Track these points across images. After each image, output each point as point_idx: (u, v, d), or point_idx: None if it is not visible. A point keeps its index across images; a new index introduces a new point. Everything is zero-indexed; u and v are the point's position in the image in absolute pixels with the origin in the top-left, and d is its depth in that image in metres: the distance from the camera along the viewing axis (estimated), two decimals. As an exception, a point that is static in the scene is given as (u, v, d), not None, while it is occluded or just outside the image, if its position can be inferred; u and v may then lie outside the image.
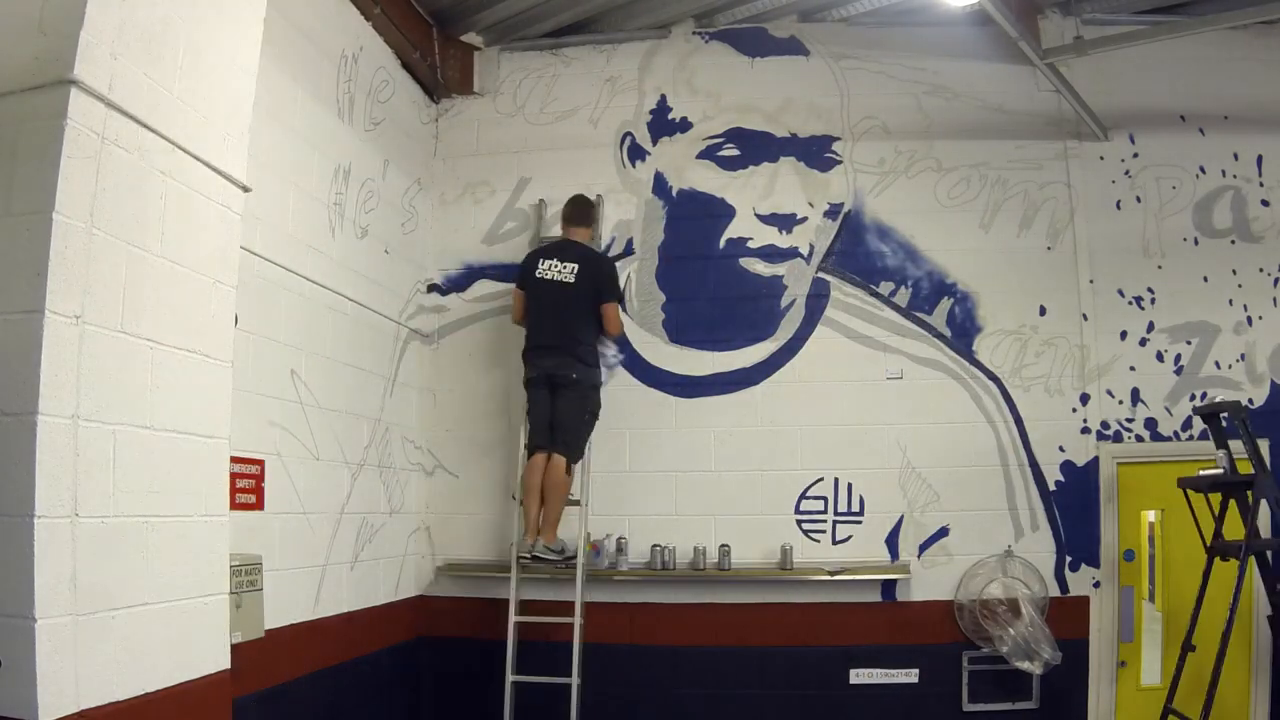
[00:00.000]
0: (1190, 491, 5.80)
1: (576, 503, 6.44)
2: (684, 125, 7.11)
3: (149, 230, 3.18)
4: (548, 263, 6.37)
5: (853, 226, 6.86)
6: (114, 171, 3.01)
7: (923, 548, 6.54)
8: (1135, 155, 6.72)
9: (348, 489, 5.88)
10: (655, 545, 6.60)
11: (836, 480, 6.62)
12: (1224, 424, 5.78)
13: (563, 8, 6.99)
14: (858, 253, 6.84)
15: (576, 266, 6.31)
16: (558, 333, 6.28)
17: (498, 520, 6.90)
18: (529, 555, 6.25)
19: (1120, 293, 6.62)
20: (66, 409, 2.81)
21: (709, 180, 7.01)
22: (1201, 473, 5.76)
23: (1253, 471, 5.53)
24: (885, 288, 6.79)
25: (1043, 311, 6.66)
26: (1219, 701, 5.35)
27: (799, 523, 6.62)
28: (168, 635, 3.21)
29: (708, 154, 7.05)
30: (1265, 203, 6.58)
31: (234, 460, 4.01)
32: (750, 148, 7.00)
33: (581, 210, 6.67)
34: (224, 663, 3.52)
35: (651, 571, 6.57)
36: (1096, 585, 6.40)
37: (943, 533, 6.53)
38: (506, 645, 6.31)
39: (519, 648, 6.35)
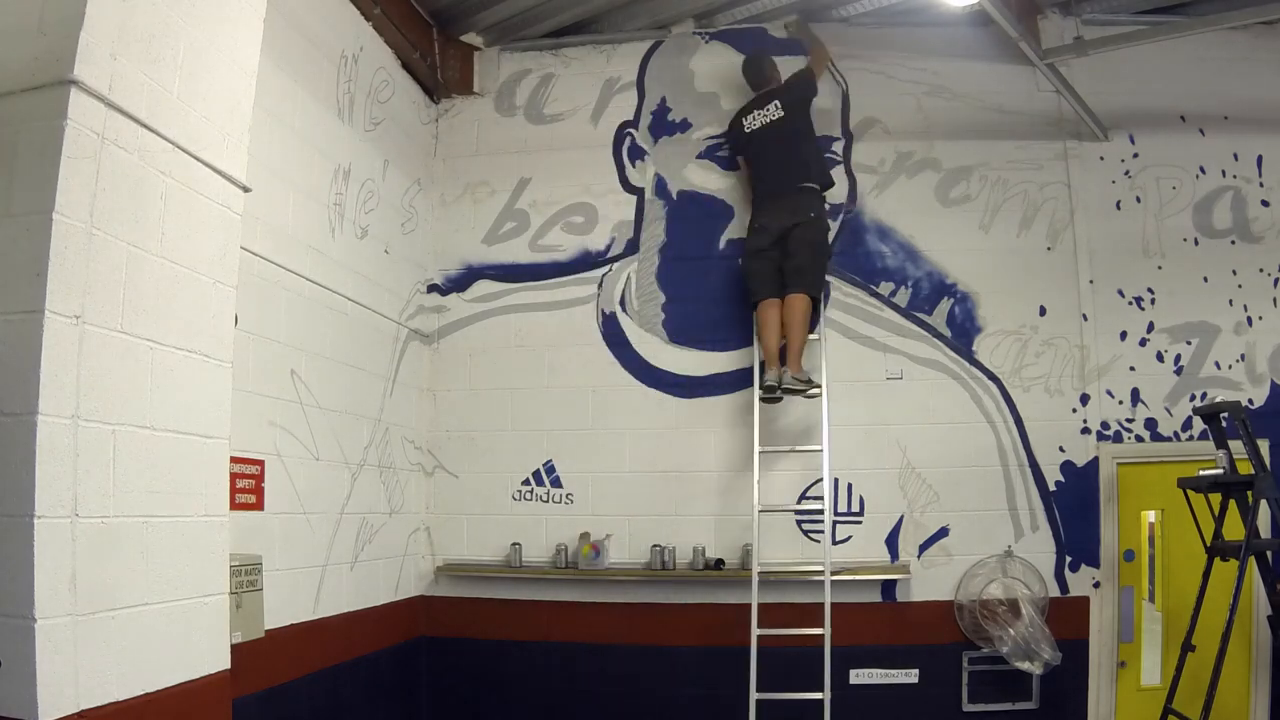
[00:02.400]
0: (1190, 492, 5.80)
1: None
2: (684, 125, 7.11)
3: (149, 230, 3.19)
4: (750, 115, 6.57)
5: (853, 227, 6.86)
6: (114, 172, 3.02)
7: (923, 548, 6.53)
8: (1135, 155, 6.72)
9: (348, 489, 5.88)
10: (655, 545, 6.60)
11: (836, 480, 6.61)
12: (1224, 424, 5.78)
13: (563, 8, 6.99)
14: (858, 253, 6.84)
15: (778, 100, 6.49)
16: (785, 178, 6.41)
17: (498, 520, 6.91)
18: (777, 387, 6.18)
19: (1120, 293, 6.62)
20: (66, 409, 2.81)
21: (709, 180, 7.02)
22: (1201, 473, 5.75)
23: (1253, 472, 5.53)
24: (885, 288, 6.79)
25: (1043, 312, 6.66)
26: (1219, 701, 5.35)
27: (799, 523, 6.62)
28: (168, 635, 3.21)
29: (708, 154, 7.06)
30: (1265, 203, 6.58)
31: (234, 460, 4.01)
32: (750, 148, 7.00)
33: (758, 69, 6.75)
34: (224, 663, 3.52)
35: (651, 572, 6.57)
36: (1096, 585, 6.40)
37: (943, 533, 6.53)
38: (750, 658, 6.12)
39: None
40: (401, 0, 6.58)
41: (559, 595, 6.67)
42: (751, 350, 6.70)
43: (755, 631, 6.15)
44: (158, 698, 3.12)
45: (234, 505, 4.15)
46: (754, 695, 6.09)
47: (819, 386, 6.39)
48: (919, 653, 6.42)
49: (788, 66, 6.98)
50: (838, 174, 6.86)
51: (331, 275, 5.70)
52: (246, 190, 3.74)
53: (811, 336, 6.62)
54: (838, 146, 6.94)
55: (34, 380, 2.72)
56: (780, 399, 6.32)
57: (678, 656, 6.56)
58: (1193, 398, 6.47)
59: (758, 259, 6.43)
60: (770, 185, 6.48)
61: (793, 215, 6.32)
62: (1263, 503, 5.49)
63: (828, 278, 6.77)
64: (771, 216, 6.40)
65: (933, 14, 6.73)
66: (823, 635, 6.06)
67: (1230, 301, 6.52)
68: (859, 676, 6.41)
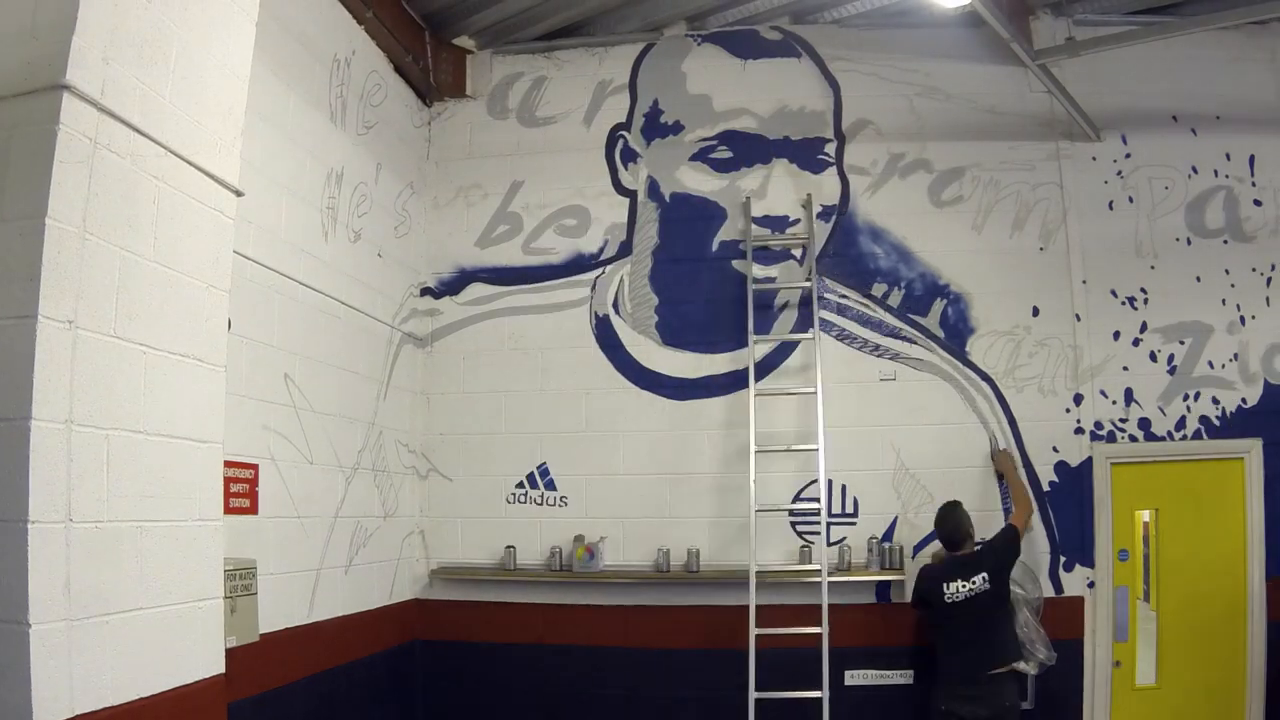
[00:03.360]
0: None
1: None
2: (676, 128, 7.11)
3: (142, 235, 3.18)
4: (952, 585, 5.71)
5: (845, 228, 6.87)
6: (106, 176, 3.01)
7: (917, 549, 6.53)
8: (1128, 156, 6.73)
9: (342, 493, 5.88)
10: (658, 548, 6.60)
11: (830, 482, 6.61)
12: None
13: (555, 10, 6.99)
14: (850, 255, 6.84)
15: (985, 573, 5.68)
16: (980, 664, 5.61)
17: (491, 523, 6.90)
18: None
19: (1113, 293, 6.63)
20: (60, 414, 2.81)
21: (702, 182, 7.02)
22: None
23: None
24: (878, 289, 6.80)
25: (1035, 312, 6.67)
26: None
27: (793, 524, 6.62)
28: (162, 640, 3.20)
29: (700, 156, 7.06)
30: (1257, 202, 6.60)
31: (228, 464, 4.00)
32: (743, 150, 7.01)
33: (955, 526, 5.94)
34: (218, 667, 3.52)
35: (646, 574, 6.56)
36: (1091, 585, 6.41)
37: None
38: (749, 659, 6.13)
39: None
40: (394, 3, 6.57)
41: (554, 598, 6.67)
42: (744, 353, 6.71)
43: (754, 632, 6.16)
44: (152, 702, 3.11)
45: (228, 509, 4.14)
46: (753, 695, 6.10)
47: None
48: (914, 654, 6.41)
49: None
50: (830, 176, 6.88)
51: (325, 279, 5.69)
52: (239, 194, 3.74)
53: (805, 336, 6.64)
54: (830, 148, 6.94)
55: (27, 385, 2.72)
56: None
57: (674, 659, 6.55)
58: (1186, 397, 6.48)
59: None
60: (965, 670, 5.68)
61: (990, 708, 5.56)
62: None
63: (821, 280, 6.78)
64: (964, 704, 5.61)
65: (925, 15, 6.74)
66: (819, 634, 6.07)
67: (1223, 301, 6.54)
68: (854, 678, 6.41)
